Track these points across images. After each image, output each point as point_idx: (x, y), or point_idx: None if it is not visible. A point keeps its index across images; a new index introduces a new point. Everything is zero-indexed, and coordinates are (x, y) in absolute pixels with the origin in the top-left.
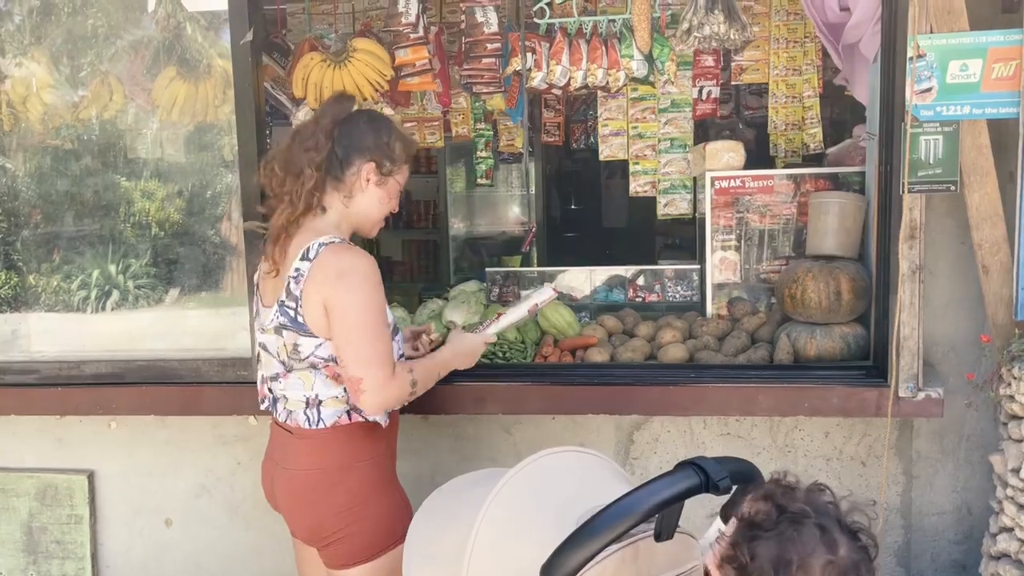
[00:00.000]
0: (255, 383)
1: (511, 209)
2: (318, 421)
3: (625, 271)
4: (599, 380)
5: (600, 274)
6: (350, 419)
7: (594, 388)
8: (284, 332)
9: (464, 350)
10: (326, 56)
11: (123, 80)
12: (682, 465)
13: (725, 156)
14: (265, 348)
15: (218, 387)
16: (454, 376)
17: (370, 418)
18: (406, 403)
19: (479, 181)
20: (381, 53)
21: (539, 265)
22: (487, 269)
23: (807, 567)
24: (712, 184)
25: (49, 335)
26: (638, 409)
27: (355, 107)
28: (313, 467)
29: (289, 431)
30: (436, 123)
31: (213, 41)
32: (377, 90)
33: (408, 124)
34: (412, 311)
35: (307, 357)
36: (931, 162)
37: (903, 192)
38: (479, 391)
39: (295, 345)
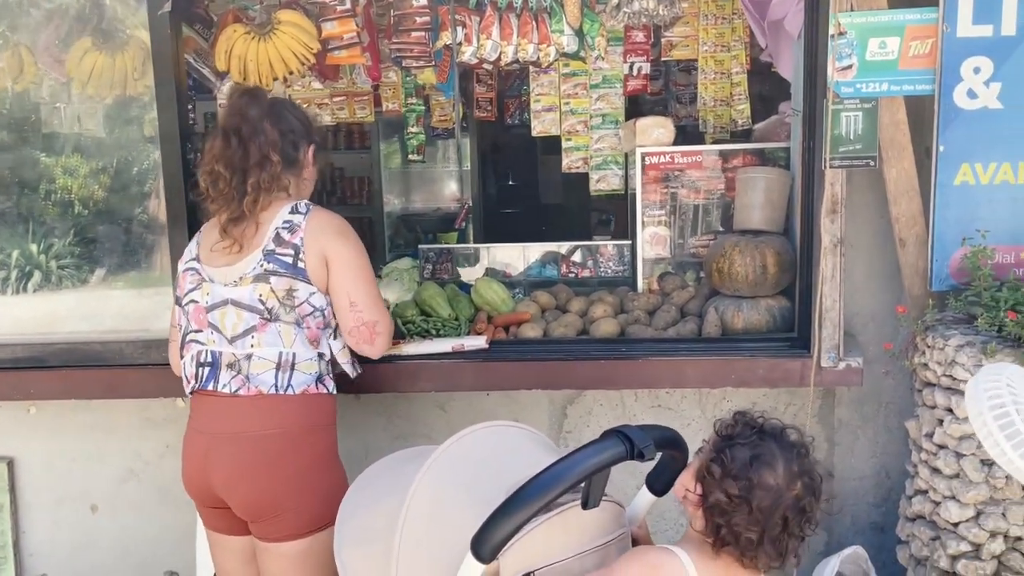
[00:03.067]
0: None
1: (446, 185)
2: (287, 386)
3: (558, 247)
4: (532, 356)
5: (533, 250)
6: (317, 388)
7: (527, 364)
8: (273, 278)
9: None
10: (250, 28)
11: (35, 51)
12: (608, 434)
13: (655, 132)
14: (235, 303)
15: (143, 369)
16: (387, 355)
17: (330, 389)
18: None
19: (411, 157)
20: (307, 26)
21: (475, 242)
22: (420, 246)
23: (773, 465)
24: (642, 160)
25: None
26: (570, 384)
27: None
28: (276, 429)
29: (242, 398)
30: (366, 97)
31: (133, 10)
32: (303, 63)
33: (337, 98)
34: None
35: (300, 304)
36: (851, 138)
37: (825, 167)
38: (412, 368)
39: (290, 290)
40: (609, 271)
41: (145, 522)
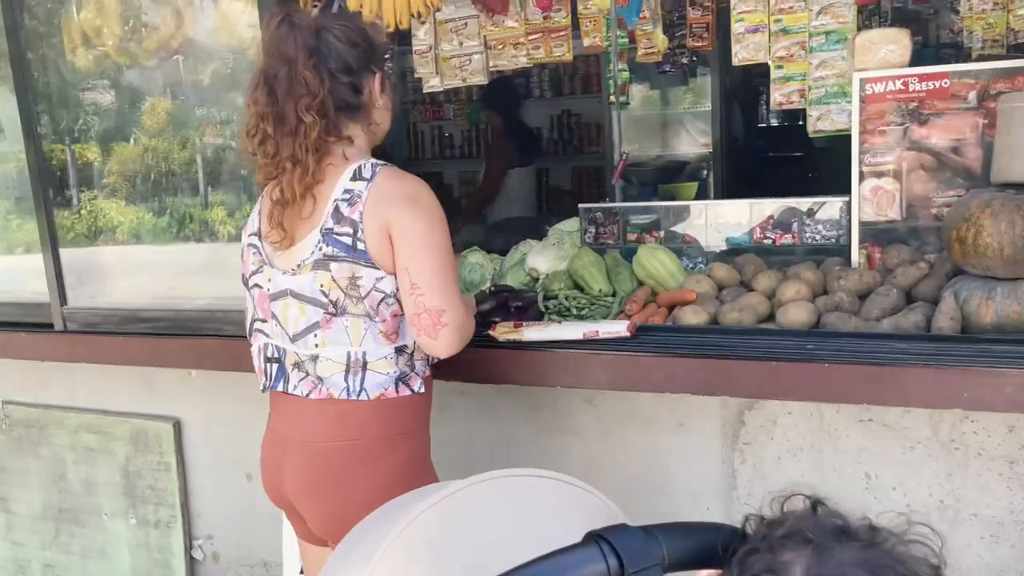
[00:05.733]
0: None
1: (680, 129)
2: (359, 391)
3: (749, 205)
4: (683, 350)
5: (722, 209)
6: (397, 391)
7: (675, 360)
8: (334, 264)
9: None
10: None
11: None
12: (589, 538)
13: (881, 50)
14: (296, 295)
15: None
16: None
17: (417, 388)
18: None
19: (613, 98)
20: None
21: (716, 196)
22: (580, 205)
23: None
24: (861, 88)
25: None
26: (731, 390)
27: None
28: (348, 439)
29: (313, 402)
30: (563, 33)
31: None
32: None
33: (533, 36)
34: None
35: (367, 293)
36: None
37: None
38: (535, 358)
39: (352, 277)
40: (816, 237)
41: None
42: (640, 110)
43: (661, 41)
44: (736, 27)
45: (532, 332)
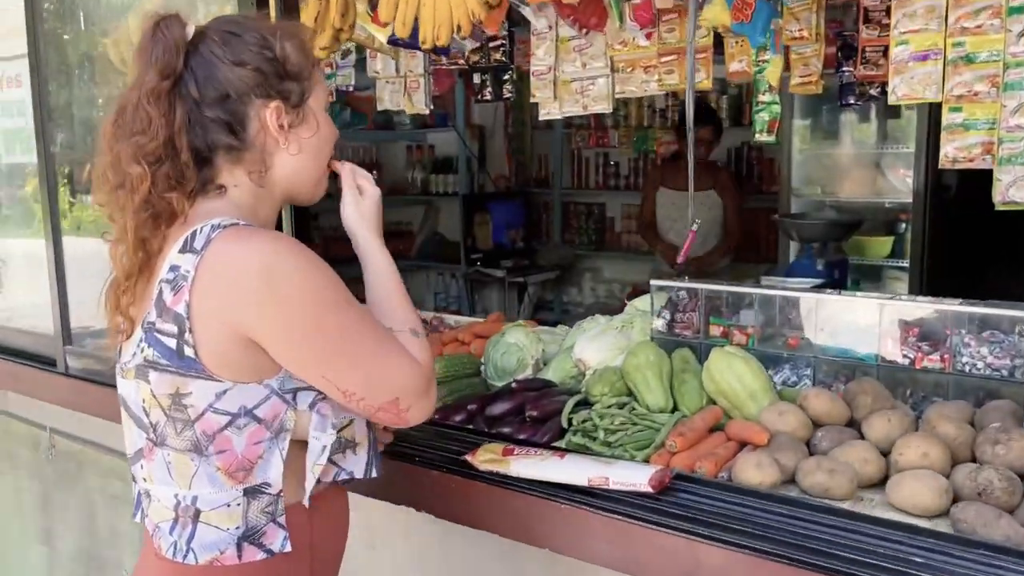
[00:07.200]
0: None
1: (870, 174)
2: (186, 552)
3: (880, 305)
4: (722, 529)
5: (842, 306)
6: (240, 556)
7: (704, 546)
8: (153, 374)
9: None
10: None
11: None
12: None
13: None
14: (125, 406)
15: None
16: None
17: (277, 548)
18: None
19: (759, 136)
20: None
21: (914, 265)
22: (653, 282)
23: None
24: None
25: None
26: None
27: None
28: None
29: (149, 551)
30: (703, 56)
31: None
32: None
33: (666, 59)
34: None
35: (199, 416)
36: None
37: None
38: (520, 505)
39: (176, 395)
40: (978, 365)
41: None
42: (816, 148)
43: (771, 71)
44: (897, 52)
45: (522, 465)
